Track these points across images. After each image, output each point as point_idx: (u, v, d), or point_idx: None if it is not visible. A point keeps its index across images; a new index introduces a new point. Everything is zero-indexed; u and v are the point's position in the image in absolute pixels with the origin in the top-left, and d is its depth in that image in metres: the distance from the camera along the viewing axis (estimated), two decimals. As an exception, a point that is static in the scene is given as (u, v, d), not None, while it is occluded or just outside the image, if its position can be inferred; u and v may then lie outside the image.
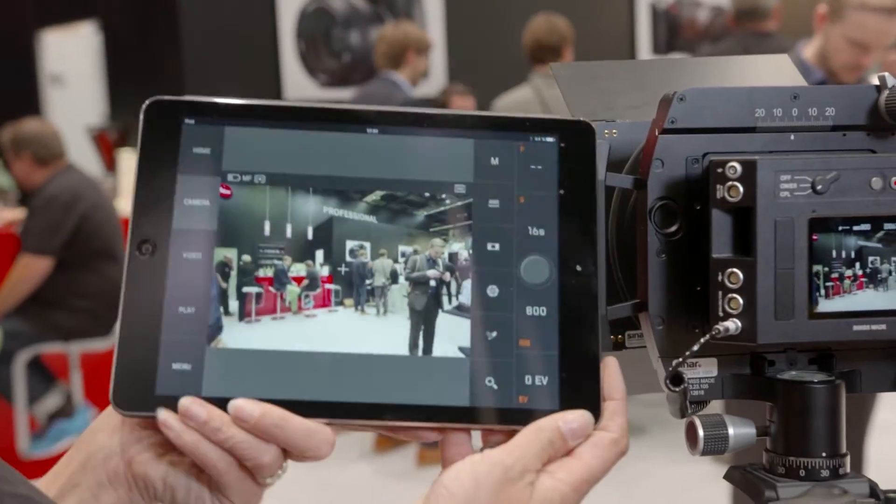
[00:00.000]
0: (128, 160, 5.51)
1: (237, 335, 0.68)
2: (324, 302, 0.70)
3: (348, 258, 0.70)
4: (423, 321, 0.69)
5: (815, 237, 0.71)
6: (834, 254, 0.72)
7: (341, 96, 5.95)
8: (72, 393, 4.22)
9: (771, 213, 0.71)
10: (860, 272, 0.72)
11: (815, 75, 2.70)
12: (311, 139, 0.72)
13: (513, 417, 0.67)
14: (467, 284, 0.70)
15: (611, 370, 0.69)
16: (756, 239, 0.71)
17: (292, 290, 0.70)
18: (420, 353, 0.69)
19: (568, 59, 4.13)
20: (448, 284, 0.70)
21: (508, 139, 0.72)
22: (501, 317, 0.69)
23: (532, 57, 4.19)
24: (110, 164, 6.23)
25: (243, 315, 0.69)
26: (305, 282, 0.70)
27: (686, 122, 0.75)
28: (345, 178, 0.71)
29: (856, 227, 0.72)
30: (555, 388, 0.68)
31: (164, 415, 0.65)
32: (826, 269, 0.72)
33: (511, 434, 0.67)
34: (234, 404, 0.65)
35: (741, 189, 0.71)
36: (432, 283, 0.70)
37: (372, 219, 0.71)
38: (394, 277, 0.70)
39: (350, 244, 0.70)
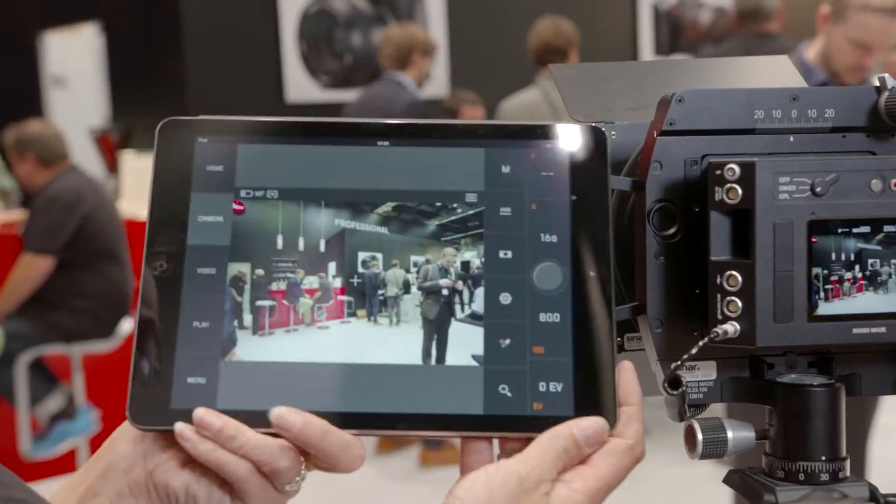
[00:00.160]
0: (130, 162, 5.51)
1: (251, 348, 0.69)
2: (337, 313, 0.70)
3: (361, 269, 0.71)
4: (436, 330, 0.69)
5: (814, 239, 0.71)
6: (833, 256, 0.71)
7: (343, 98, 5.95)
8: (74, 394, 4.21)
9: (770, 216, 0.70)
10: (860, 274, 0.72)
11: (818, 76, 2.69)
12: (322, 153, 0.72)
13: (527, 425, 0.67)
14: (480, 292, 0.70)
15: (626, 374, 0.69)
16: (755, 241, 0.70)
17: (305, 302, 0.70)
18: (433, 362, 0.69)
19: (573, 62, 4.13)
20: (460, 293, 0.70)
21: (519, 147, 0.72)
22: (515, 324, 0.69)
23: (538, 59, 4.19)
24: (112, 166, 6.23)
25: (257, 328, 0.69)
26: (318, 294, 0.70)
27: (685, 123, 0.75)
28: (356, 191, 0.72)
29: (855, 230, 0.71)
30: (569, 394, 0.68)
31: (180, 427, 0.66)
32: (825, 271, 0.71)
33: (526, 442, 0.66)
34: (275, 412, 0.65)
35: (740, 191, 0.71)
36: (445, 291, 0.70)
37: (384, 230, 0.71)
38: (406, 287, 0.70)
39: (362, 255, 0.71)
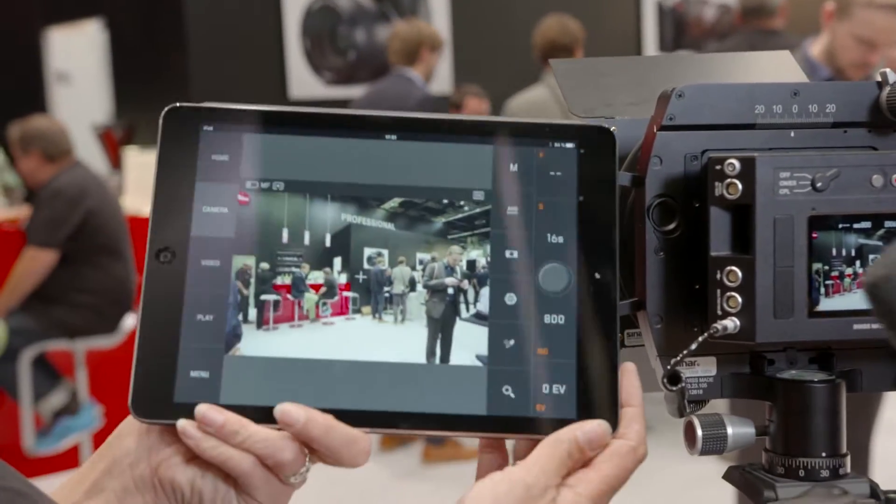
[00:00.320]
0: (133, 158, 5.51)
1: (255, 343, 0.68)
2: (341, 310, 0.69)
3: (366, 265, 0.70)
4: (441, 329, 0.69)
5: (814, 235, 0.70)
6: (834, 252, 0.71)
7: (346, 94, 5.95)
8: (77, 390, 4.22)
9: (770, 211, 0.70)
10: (861, 270, 0.71)
11: (823, 73, 2.69)
12: (330, 146, 0.71)
13: (530, 426, 0.67)
14: (485, 292, 0.70)
15: (629, 377, 0.68)
16: (755, 237, 0.70)
17: (310, 297, 0.69)
18: (437, 361, 0.68)
19: (579, 60, 4.12)
20: (466, 292, 0.70)
21: (527, 145, 0.71)
22: (519, 325, 0.69)
23: (544, 57, 4.19)
24: (116, 162, 6.24)
25: (261, 323, 0.69)
26: (323, 289, 0.70)
27: (685, 118, 0.74)
28: (363, 185, 0.71)
29: (856, 225, 0.71)
30: (572, 396, 0.67)
31: (182, 424, 0.66)
32: (826, 267, 0.71)
33: (531, 442, 0.66)
34: (280, 409, 0.65)
35: (740, 186, 0.70)
36: (450, 290, 0.70)
37: (390, 226, 0.71)
38: (412, 285, 0.70)
39: (368, 251, 0.70)
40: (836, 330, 0.71)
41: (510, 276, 0.70)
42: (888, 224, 0.71)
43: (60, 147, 4.22)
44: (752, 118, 0.75)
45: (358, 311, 0.69)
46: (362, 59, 6.20)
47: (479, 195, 0.71)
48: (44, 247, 4.03)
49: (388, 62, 4.60)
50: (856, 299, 0.71)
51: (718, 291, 0.72)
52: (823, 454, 0.74)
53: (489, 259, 0.70)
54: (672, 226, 0.75)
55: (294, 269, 0.70)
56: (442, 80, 6.14)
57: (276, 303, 0.69)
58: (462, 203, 0.71)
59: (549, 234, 0.70)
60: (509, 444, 0.71)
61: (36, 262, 4.02)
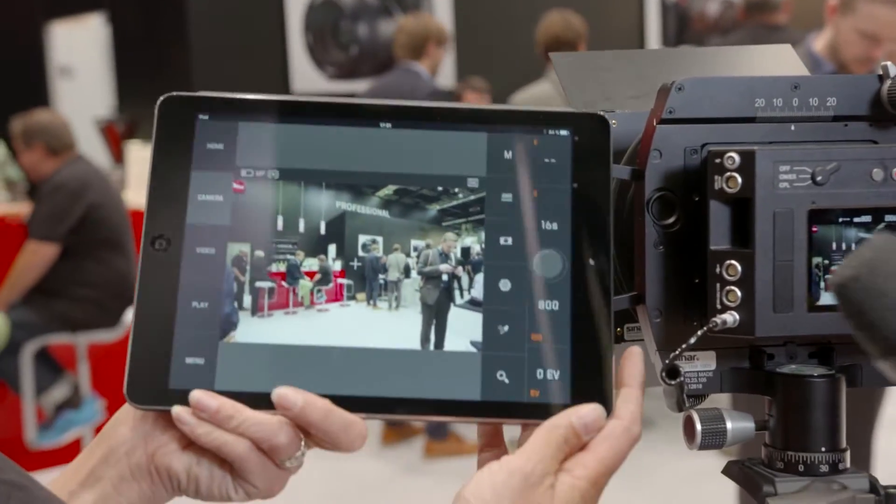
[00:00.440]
0: (135, 152, 5.51)
1: (250, 330, 0.69)
2: (336, 296, 0.70)
3: (361, 253, 0.70)
4: (435, 315, 0.69)
5: (814, 229, 0.70)
6: (834, 246, 0.71)
7: (349, 89, 5.94)
8: (79, 384, 4.23)
9: (770, 205, 0.70)
10: (861, 265, 0.71)
11: (826, 68, 2.68)
12: (325, 134, 0.72)
13: (524, 411, 0.67)
14: (479, 279, 0.70)
15: (632, 359, 0.69)
16: (754, 230, 0.70)
17: (305, 284, 0.70)
18: (432, 347, 0.69)
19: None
20: (460, 279, 0.70)
21: (522, 133, 0.72)
22: (513, 311, 0.69)
23: (547, 52, 4.18)
24: (118, 156, 6.24)
25: (256, 310, 0.69)
26: (318, 276, 0.70)
27: (684, 112, 0.74)
28: (357, 173, 0.71)
29: (856, 219, 0.71)
30: (566, 381, 0.68)
31: (177, 410, 0.66)
32: (826, 261, 0.71)
33: (530, 432, 0.66)
34: (278, 392, 0.65)
35: (739, 180, 0.70)
36: (444, 277, 0.70)
37: (384, 213, 0.71)
38: (406, 272, 0.70)
39: (363, 238, 0.71)
40: (836, 324, 0.71)
41: (505, 263, 0.70)
42: (888, 218, 0.71)
43: (63, 141, 4.22)
44: (753, 111, 0.74)
45: (352, 297, 0.70)
46: (365, 54, 6.20)
47: (473, 182, 0.71)
48: (45, 240, 4.03)
49: (390, 57, 4.60)
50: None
51: (718, 285, 0.71)
52: (823, 449, 0.74)
53: (484, 246, 0.70)
54: (672, 219, 0.74)
55: (289, 257, 0.70)
56: (445, 75, 6.13)
57: (271, 290, 0.69)
58: (456, 190, 0.71)
59: (543, 221, 0.70)
60: (509, 440, 0.71)
61: (37, 256, 4.03)
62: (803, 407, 0.74)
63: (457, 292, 0.70)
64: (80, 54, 7.96)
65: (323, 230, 0.71)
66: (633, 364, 0.69)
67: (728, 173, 0.71)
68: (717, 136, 0.74)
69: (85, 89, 7.84)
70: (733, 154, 0.70)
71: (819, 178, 0.70)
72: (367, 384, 0.68)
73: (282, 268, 0.70)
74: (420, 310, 0.70)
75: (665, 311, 0.75)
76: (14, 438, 4.13)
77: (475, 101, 5.40)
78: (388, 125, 0.72)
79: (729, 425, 0.75)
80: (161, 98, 0.72)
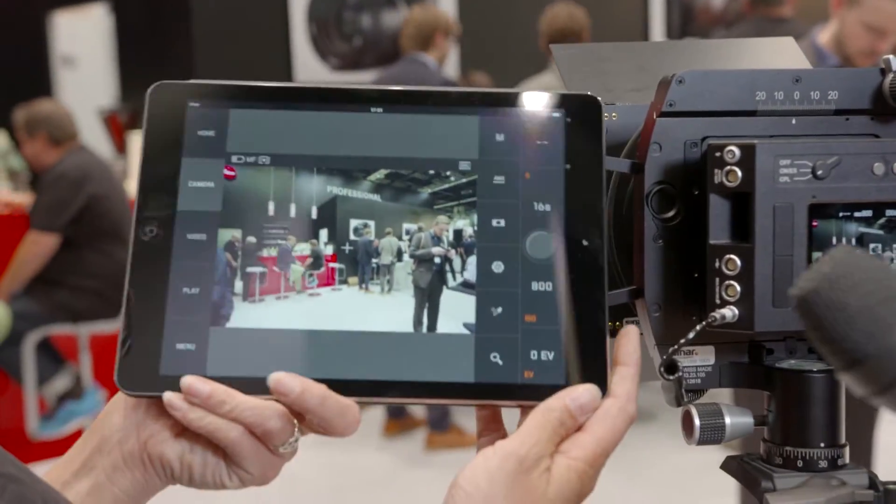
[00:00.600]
0: (138, 142, 5.50)
1: (241, 315, 0.69)
2: (328, 281, 0.70)
3: (353, 237, 0.71)
4: (428, 298, 0.69)
5: (814, 223, 0.70)
6: (834, 240, 0.70)
7: (352, 80, 5.93)
8: (81, 374, 4.23)
9: (770, 199, 0.69)
10: (862, 260, 0.70)
11: (831, 61, 2.67)
12: (316, 119, 0.72)
13: (519, 393, 0.67)
14: (472, 261, 0.70)
15: (628, 337, 0.69)
16: (754, 225, 0.69)
17: (296, 269, 0.70)
18: (424, 329, 0.69)
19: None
20: (452, 261, 0.70)
21: (514, 115, 0.72)
22: (506, 292, 0.69)
23: (552, 44, 4.17)
24: (121, 147, 6.23)
25: (247, 295, 0.69)
26: (309, 261, 0.70)
27: (685, 105, 0.73)
28: (349, 158, 0.71)
29: (857, 214, 0.70)
30: (561, 362, 0.68)
31: (168, 396, 0.66)
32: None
33: (526, 414, 0.66)
34: (274, 377, 0.65)
35: (739, 174, 0.70)
36: (437, 260, 0.70)
37: (376, 197, 0.71)
38: (399, 255, 0.70)
39: (354, 223, 0.71)
40: (836, 320, 0.70)
41: (497, 245, 0.70)
42: (889, 213, 0.70)
43: (65, 131, 4.22)
44: (753, 105, 0.74)
45: (344, 281, 0.70)
46: (368, 45, 6.18)
47: (465, 165, 0.71)
48: (46, 231, 4.03)
49: (394, 48, 4.59)
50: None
51: (717, 280, 0.71)
52: (822, 444, 0.74)
53: (476, 228, 0.70)
54: (671, 213, 0.74)
55: (280, 242, 0.70)
56: (448, 67, 6.12)
57: (262, 275, 0.70)
58: (448, 173, 0.71)
59: (535, 203, 0.70)
60: (508, 425, 0.71)
61: (38, 246, 4.03)
62: (802, 402, 0.74)
63: (449, 275, 0.70)
64: (83, 44, 7.94)
65: (314, 215, 0.71)
66: (628, 342, 0.68)
67: (728, 167, 0.70)
68: (718, 129, 0.74)
69: (88, 79, 7.83)
70: (733, 148, 0.70)
71: (820, 173, 0.69)
72: (359, 368, 0.67)
73: (273, 253, 0.70)
74: (412, 293, 0.70)
75: (664, 306, 0.74)
76: (16, 429, 4.14)
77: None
78: (380, 110, 0.72)
79: (727, 420, 0.75)
80: (152, 86, 0.72)
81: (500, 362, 0.68)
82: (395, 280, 0.70)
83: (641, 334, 0.77)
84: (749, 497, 0.76)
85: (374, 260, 0.70)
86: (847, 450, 0.75)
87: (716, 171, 0.71)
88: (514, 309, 0.69)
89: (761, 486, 0.74)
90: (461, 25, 6.19)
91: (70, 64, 8.03)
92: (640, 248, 0.74)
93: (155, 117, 0.72)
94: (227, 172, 0.71)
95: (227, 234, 0.70)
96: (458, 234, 0.70)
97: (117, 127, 6.37)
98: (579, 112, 0.71)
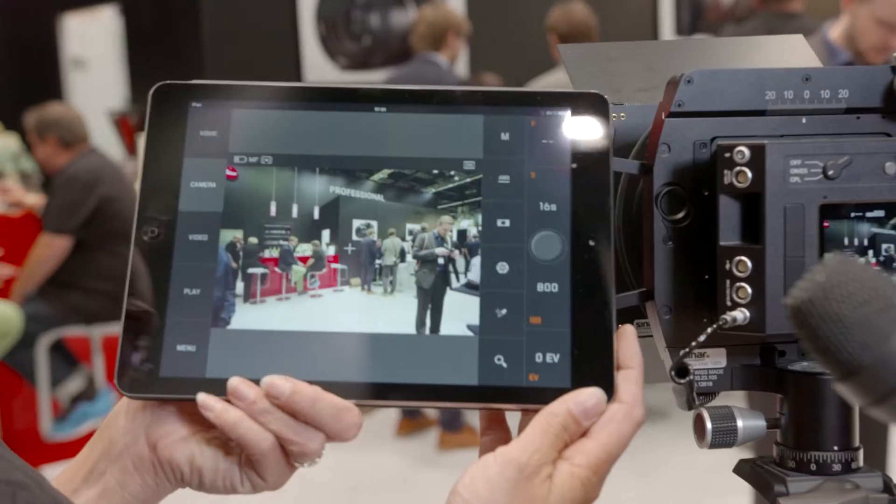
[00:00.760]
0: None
1: (242, 316, 0.68)
2: (330, 282, 0.69)
3: (355, 237, 0.70)
4: (431, 299, 0.69)
5: (826, 224, 0.69)
6: (846, 241, 0.69)
7: (361, 79, 5.93)
8: (94, 376, 4.24)
9: (780, 200, 0.68)
10: (873, 260, 0.70)
11: (842, 57, 2.65)
12: (318, 119, 0.71)
13: (523, 396, 0.66)
14: (476, 262, 0.69)
15: (627, 339, 0.67)
16: (765, 226, 0.69)
17: (298, 270, 0.69)
18: (427, 331, 0.68)
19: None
20: (456, 262, 0.69)
21: (519, 114, 0.71)
22: (511, 294, 0.68)
23: (563, 42, 4.17)
24: (131, 148, 6.25)
25: (248, 296, 0.69)
26: (311, 261, 0.70)
27: (694, 105, 0.73)
28: (352, 157, 0.71)
29: (869, 214, 0.69)
30: (566, 365, 0.66)
31: (203, 397, 0.65)
32: (841, 253, 0.69)
33: (530, 416, 0.65)
34: (267, 380, 0.64)
35: (749, 174, 0.69)
36: (440, 260, 0.69)
37: (379, 197, 0.70)
38: (402, 256, 0.70)
39: (357, 223, 0.70)
40: (849, 321, 0.70)
41: (502, 245, 0.69)
42: (902, 212, 0.69)
43: (76, 133, 4.23)
44: (763, 104, 0.73)
45: (347, 282, 0.69)
46: (377, 45, 6.18)
47: (469, 165, 0.70)
48: (58, 233, 4.04)
49: (403, 47, 4.58)
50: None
51: (728, 282, 0.70)
52: (835, 448, 0.73)
53: (480, 228, 0.69)
54: (681, 214, 0.73)
55: (282, 242, 0.70)
56: (458, 67, 6.11)
57: (264, 276, 0.69)
58: (452, 173, 0.70)
59: (541, 202, 0.69)
60: (512, 422, 0.70)
61: (50, 249, 4.04)
62: (815, 405, 0.73)
63: (453, 276, 0.69)
64: (94, 46, 7.97)
65: (317, 215, 0.70)
66: (628, 344, 0.67)
67: (738, 168, 0.69)
68: (727, 129, 0.73)
69: (98, 81, 7.85)
70: (743, 148, 0.69)
71: (831, 173, 0.68)
72: (361, 370, 0.67)
73: (274, 253, 0.69)
74: (416, 294, 0.69)
75: (674, 308, 0.74)
76: (30, 430, 4.15)
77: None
78: (383, 109, 0.71)
79: (740, 424, 0.74)
80: (154, 87, 0.72)
81: (505, 365, 0.67)
82: (398, 281, 0.69)
83: (650, 336, 0.77)
84: (762, 498, 0.75)
85: (377, 261, 0.69)
86: (861, 453, 0.74)
87: (725, 171, 0.70)
88: (518, 310, 0.68)
89: (774, 489, 0.73)
90: (470, 23, 6.18)
91: (80, 66, 8.05)
92: (650, 250, 0.74)
93: (157, 118, 0.71)
94: (229, 173, 0.70)
95: (228, 235, 0.69)
96: (462, 234, 0.70)
97: (128, 129, 6.38)
98: (586, 110, 0.71)
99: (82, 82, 7.96)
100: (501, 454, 0.62)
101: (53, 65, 7.88)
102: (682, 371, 0.73)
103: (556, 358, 0.67)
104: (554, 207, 0.69)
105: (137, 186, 0.71)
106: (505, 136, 0.71)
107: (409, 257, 0.69)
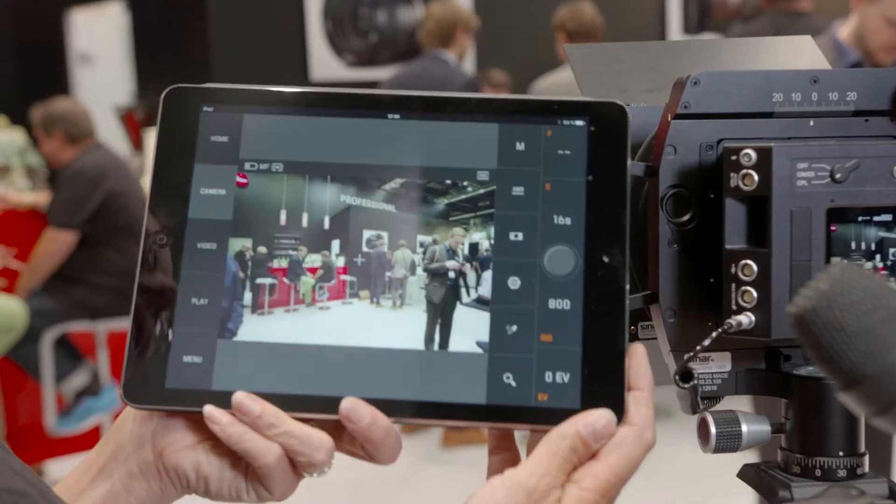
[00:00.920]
0: (153, 140, 5.52)
1: (249, 328, 0.67)
2: (338, 294, 0.68)
3: (365, 248, 0.68)
4: (441, 314, 0.67)
5: (833, 228, 0.68)
6: (853, 245, 0.69)
7: (368, 76, 5.93)
8: (98, 371, 4.25)
9: (787, 203, 0.68)
10: (881, 264, 0.69)
11: (851, 56, 2.64)
12: (331, 126, 0.70)
13: (531, 416, 0.65)
14: (487, 276, 0.67)
15: (637, 358, 0.65)
16: (771, 229, 0.68)
17: (307, 281, 0.68)
18: (436, 347, 0.66)
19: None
20: (467, 276, 0.68)
21: (535, 123, 0.69)
22: (522, 310, 0.66)
23: (569, 40, 4.17)
24: (137, 144, 6.25)
25: (256, 307, 0.68)
26: (320, 273, 0.68)
27: (700, 106, 0.72)
28: (363, 166, 0.69)
29: (876, 218, 0.69)
30: (577, 385, 0.65)
31: (209, 409, 0.64)
32: (845, 261, 0.68)
33: (539, 436, 0.64)
34: (346, 404, 0.64)
35: (756, 177, 0.68)
36: (451, 274, 0.68)
37: (391, 207, 0.69)
38: (412, 269, 0.68)
39: (367, 234, 0.69)
40: (855, 326, 0.69)
41: (514, 259, 0.67)
42: (910, 217, 0.69)
43: (82, 129, 4.23)
44: (770, 106, 0.72)
45: (355, 295, 0.68)
46: (384, 41, 6.17)
47: (483, 175, 0.69)
48: (63, 228, 4.05)
49: (410, 44, 4.58)
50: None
51: (733, 285, 0.70)
52: (841, 453, 0.72)
53: (493, 241, 0.68)
54: (686, 217, 0.73)
55: (291, 252, 0.68)
56: (465, 64, 6.10)
57: (272, 286, 0.68)
58: (466, 184, 0.69)
59: (555, 216, 0.67)
60: (521, 441, 0.69)
61: (55, 243, 4.04)
62: (821, 410, 0.72)
63: (463, 290, 0.67)
64: (100, 42, 7.98)
65: (327, 225, 0.69)
66: (639, 364, 0.65)
67: (744, 170, 0.69)
68: (734, 131, 0.72)
69: (105, 77, 7.86)
70: (750, 151, 0.68)
71: (838, 176, 0.68)
72: (367, 386, 0.65)
73: (283, 264, 0.68)
74: (425, 308, 0.67)
75: (679, 311, 0.73)
76: (34, 425, 4.16)
77: (494, 94, 5.36)
78: (397, 116, 0.70)
79: (744, 428, 0.74)
80: (165, 91, 0.71)
81: (514, 384, 0.65)
82: (408, 294, 0.67)
83: (654, 339, 0.76)
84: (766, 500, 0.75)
85: (386, 273, 0.68)
86: (867, 458, 0.73)
87: (732, 174, 0.69)
88: (529, 327, 0.66)
89: (779, 495, 0.72)
90: (479, 20, 6.18)
91: (87, 61, 8.06)
92: (655, 252, 0.73)
93: (168, 122, 0.70)
94: (239, 180, 0.69)
95: (237, 244, 0.68)
96: (473, 247, 0.68)
97: (134, 124, 6.39)
98: (603, 121, 0.68)
99: (89, 77, 7.97)
100: (509, 477, 0.61)
101: (60, 60, 7.89)
102: (686, 376, 0.72)
103: (567, 377, 0.65)
104: (568, 221, 0.67)
105: (147, 191, 0.70)
106: (520, 146, 0.69)
107: (419, 270, 0.68)
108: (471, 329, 0.67)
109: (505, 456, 0.69)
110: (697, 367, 0.74)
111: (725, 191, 0.70)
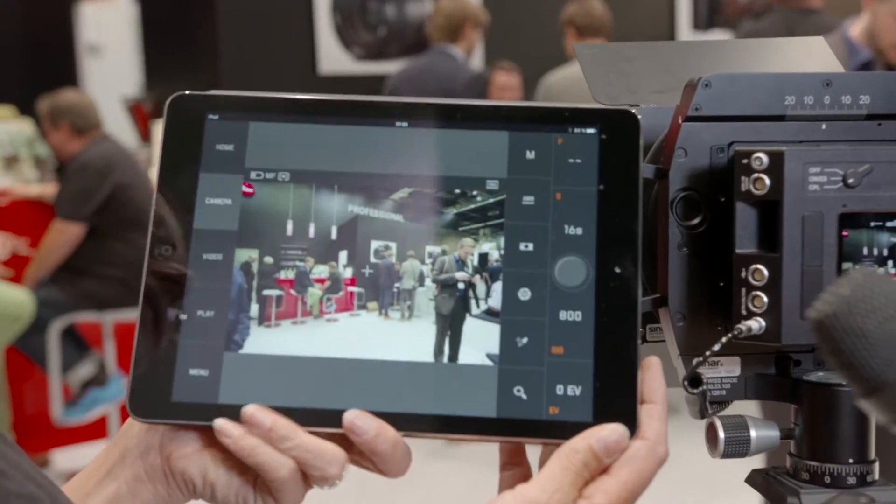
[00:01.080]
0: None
1: (256, 340, 0.66)
2: (346, 305, 0.67)
3: (373, 259, 0.67)
4: (450, 326, 0.66)
5: (845, 233, 0.68)
6: (865, 251, 0.68)
7: (376, 70, 5.91)
8: (105, 362, 4.25)
9: (799, 207, 0.67)
10: (893, 270, 0.68)
11: (863, 54, 2.63)
12: (338, 134, 0.69)
13: (542, 430, 0.64)
14: (497, 287, 0.66)
15: (651, 371, 0.64)
16: (782, 234, 0.67)
17: (314, 292, 0.67)
18: (445, 359, 0.65)
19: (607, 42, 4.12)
20: (476, 287, 0.67)
21: (545, 131, 0.68)
22: (533, 322, 0.65)
23: (579, 36, 4.16)
24: (145, 135, 6.26)
25: (263, 319, 0.67)
26: (328, 284, 0.67)
27: (711, 109, 0.71)
28: (371, 175, 0.68)
29: (889, 223, 0.68)
30: (588, 398, 0.64)
31: (220, 422, 0.64)
32: (857, 266, 0.68)
33: (551, 450, 0.63)
34: (351, 416, 0.63)
35: (767, 181, 0.68)
36: (460, 285, 0.67)
37: (399, 217, 0.68)
38: (421, 280, 0.67)
39: (375, 244, 0.68)
40: (866, 332, 0.68)
41: (524, 270, 0.66)
42: (923, 223, 0.68)
43: (89, 120, 4.23)
44: (782, 109, 0.72)
45: (363, 306, 0.67)
46: (393, 35, 6.16)
47: (493, 184, 0.68)
48: (70, 220, 4.05)
49: (418, 38, 4.57)
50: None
51: (743, 290, 0.69)
52: (850, 460, 0.72)
53: (503, 252, 0.67)
54: (696, 220, 0.72)
55: (298, 263, 0.67)
56: (474, 58, 6.09)
57: (279, 298, 0.67)
58: (475, 193, 0.68)
59: (566, 226, 0.66)
60: (532, 455, 0.68)
61: (63, 235, 4.05)
62: (830, 416, 0.72)
63: (473, 301, 0.66)
64: (109, 33, 7.98)
65: (334, 235, 0.68)
66: (654, 377, 0.64)
67: (755, 174, 0.68)
68: (745, 134, 0.71)
69: (113, 68, 7.87)
70: (761, 154, 0.68)
71: (851, 181, 0.67)
72: (375, 399, 0.64)
73: (290, 275, 0.67)
74: (434, 320, 0.66)
75: (688, 315, 0.72)
76: (41, 415, 4.17)
77: (505, 80, 5.34)
78: (405, 124, 0.68)
79: (753, 433, 0.73)
80: (170, 98, 0.69)
81: (524, 396, 0.64)
82: (416, 306, 0.66)
83: (663, 341, 0.76)
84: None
85: (395, 284, 0.67)
86: (877, 466, 0.73)
87: (743, 178, 0.69)
88: (540, 339, 0.65)
89: (787, 502, 0.72)
90: (489, 16, 6.17)
91: (96, 53, 8.07)
92: (664, 256, 0.72)
93: (173, 130, 0.69)
94: (245, 189, 0.68)
95: (243, 255, 0.67)
96: (483, 258, 0.67)
97: (142, 116, 6.39)
98: (615, 129, 0.67)
99: (97, 69, 7.97)
100: (521, 493, 0.60)
101: (69, 51, 7.90)
102: (695, 381, 0.72)
103: (578, 390, 0.64)
104: (579, 231, 0.66)
105: (153, 201, 0.69)
106: (530, 155, 0.68)
107: (428, 281, 0.67)
108: (480, 341, 0.65)
109: (516, 471, 0.68)
110: (706, 372, 0.73)
111: (736, 194, 0.69)
